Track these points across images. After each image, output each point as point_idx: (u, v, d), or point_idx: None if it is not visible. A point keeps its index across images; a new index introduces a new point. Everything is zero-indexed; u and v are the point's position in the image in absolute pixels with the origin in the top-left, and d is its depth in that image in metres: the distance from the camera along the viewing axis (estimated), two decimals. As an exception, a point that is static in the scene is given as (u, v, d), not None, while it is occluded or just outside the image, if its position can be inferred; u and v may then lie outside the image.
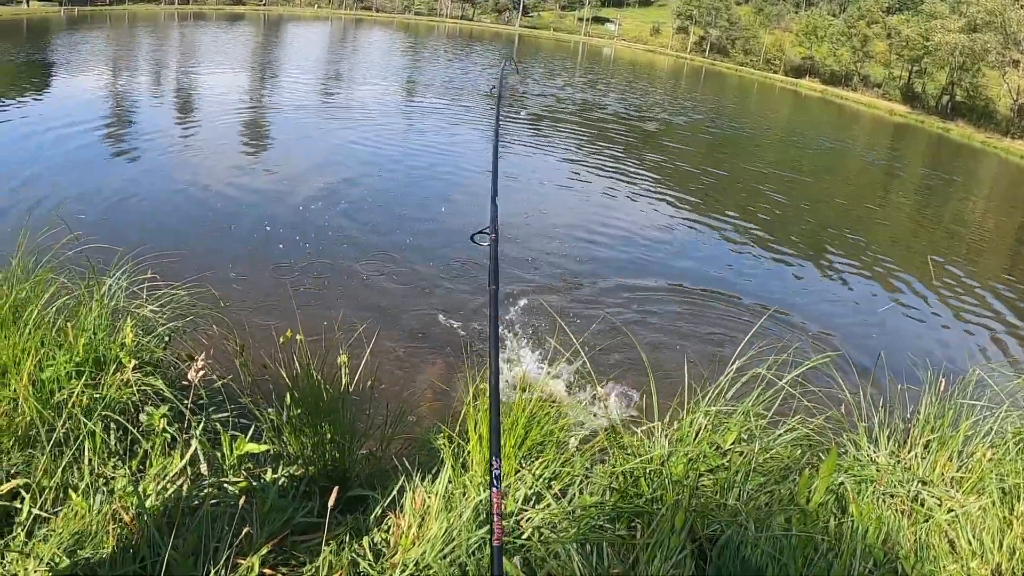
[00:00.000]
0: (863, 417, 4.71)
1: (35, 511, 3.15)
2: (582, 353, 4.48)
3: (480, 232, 3.54)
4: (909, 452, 4.52)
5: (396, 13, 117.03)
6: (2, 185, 11.82)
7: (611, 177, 18.77)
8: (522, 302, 9.00)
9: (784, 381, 4.34)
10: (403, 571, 3.22)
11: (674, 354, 7.95)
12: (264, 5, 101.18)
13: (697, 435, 4.15)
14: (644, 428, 4.31)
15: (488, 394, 2.75)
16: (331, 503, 3.13)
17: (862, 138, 45.74)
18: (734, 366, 4.36)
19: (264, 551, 3.12)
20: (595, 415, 4.41)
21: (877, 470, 4.32)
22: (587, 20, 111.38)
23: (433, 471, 3.89)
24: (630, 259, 12.47)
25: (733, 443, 4.11)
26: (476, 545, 3.40)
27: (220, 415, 3.96)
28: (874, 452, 4.52)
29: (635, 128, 28.96)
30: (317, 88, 30.96)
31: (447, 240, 11.92)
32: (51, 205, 10.79)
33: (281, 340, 4.10)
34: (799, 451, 4.31)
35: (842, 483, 4.05)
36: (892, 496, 4.17)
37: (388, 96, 29.72)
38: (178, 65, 32.30)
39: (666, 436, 4.19)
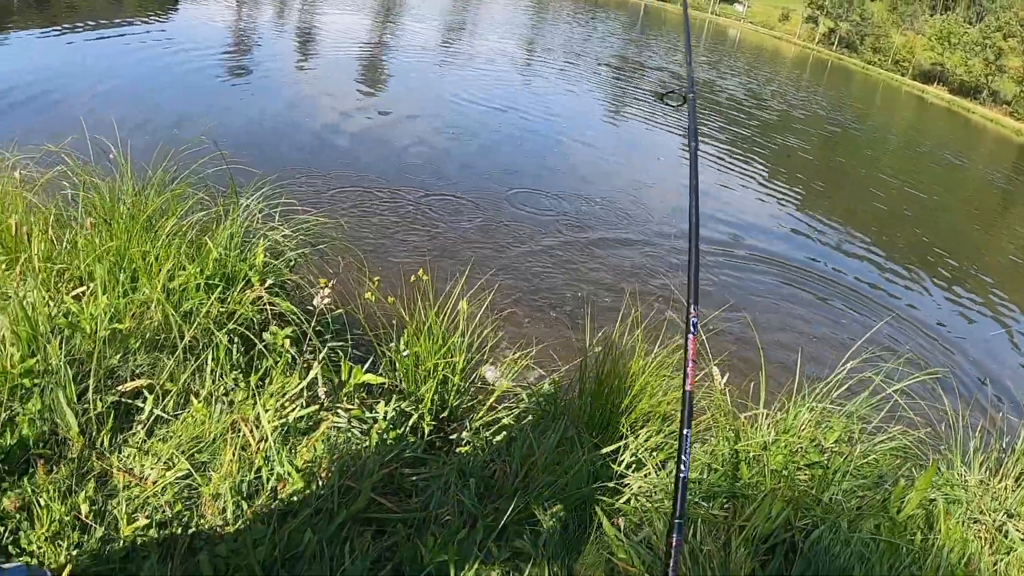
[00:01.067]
0: (959, 439, 4.61)
1: (157, 411, 3.20)
2: (701, 331, 4.34)
3: (670, 92, 3.39)
4: (1000, 482, 4.39)
5: None
6: (144, 102, 12.01)
7: (724, 165, 18.42)
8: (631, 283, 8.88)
9: (892, 390, 4.27)
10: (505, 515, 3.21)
11: (787, 344, 7.80)
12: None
13: (800, 429, 4.11)
14: (748, 414, 4.27)
15: (689, 250, 2.72)
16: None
17: (985, 155, 43.97)
18: (846, 367, 4.29)
19: (375, 477, 3.14)
20: (704, 394, 4.35)
21: (966, 493, 4.23)
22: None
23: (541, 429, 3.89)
24: (739, 245, 12.19)
25: (834, 442, 4.05)
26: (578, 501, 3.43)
27: (338, 343, 3.99)
28: (966, 475, 4.42)
29: (752, 115, 28.30)
30: (439, 38, 31.00)
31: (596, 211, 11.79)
32: (192, 125, 10.75)
33: (412, 279, 4.13)
34: (896, 461, 4.27)
35: (933, 500, 3.98)
36: (977, 522, 4.08)
37: (505, 55, 29.43)
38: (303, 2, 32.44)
39: (770, 425, 4.15)
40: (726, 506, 3.67)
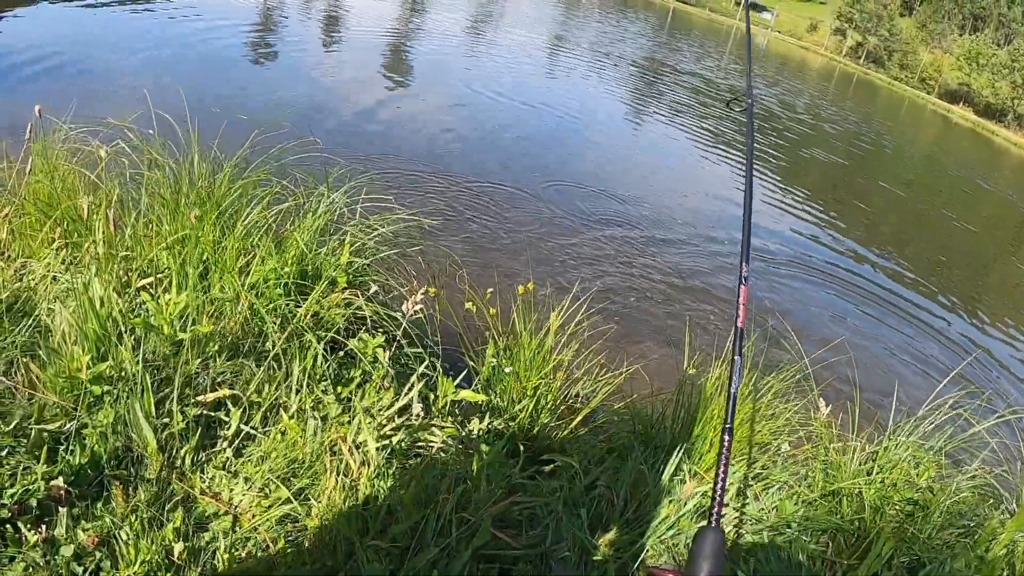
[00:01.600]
0: None
1: (245, 427, 2.79)
2: (807, 362, 4.19)
3: (735, 99, 3.85)
4: None
5: None
6: (203, 76, 11.43)
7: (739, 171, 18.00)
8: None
9: (982, 426, 4.11)
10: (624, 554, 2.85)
11: (879, 372, 7.48)
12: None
13: (896, 465, 3.98)
14: (838, 445, 4.11)
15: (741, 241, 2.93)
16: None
17: (1009, 179, 43.65)
18: (936, 401, 4.13)
19: (498, 510, 2.74)
20: (806, 423, 4.15)
21: None
22: (744, 4, 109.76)
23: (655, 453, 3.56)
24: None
25: (928, 479, 3.94)
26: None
27: (430, 355, 3.60)
28: None
29: (776, 126, 27.95)
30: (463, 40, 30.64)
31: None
32: (263, 106, 10.15)
33: (521, 290, 3.76)
34: (985, 499, 4.13)
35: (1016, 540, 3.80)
36: None
37: (536, 49, 28.98)
38: None
39: (864, 459, 4.04)
40: (824, 540, 3.59)
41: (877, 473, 3.91)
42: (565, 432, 3.72)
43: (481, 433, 3.32)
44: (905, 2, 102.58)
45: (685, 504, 3.28)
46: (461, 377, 3.55)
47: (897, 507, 3.79)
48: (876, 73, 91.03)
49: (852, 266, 12.33)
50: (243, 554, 2.32)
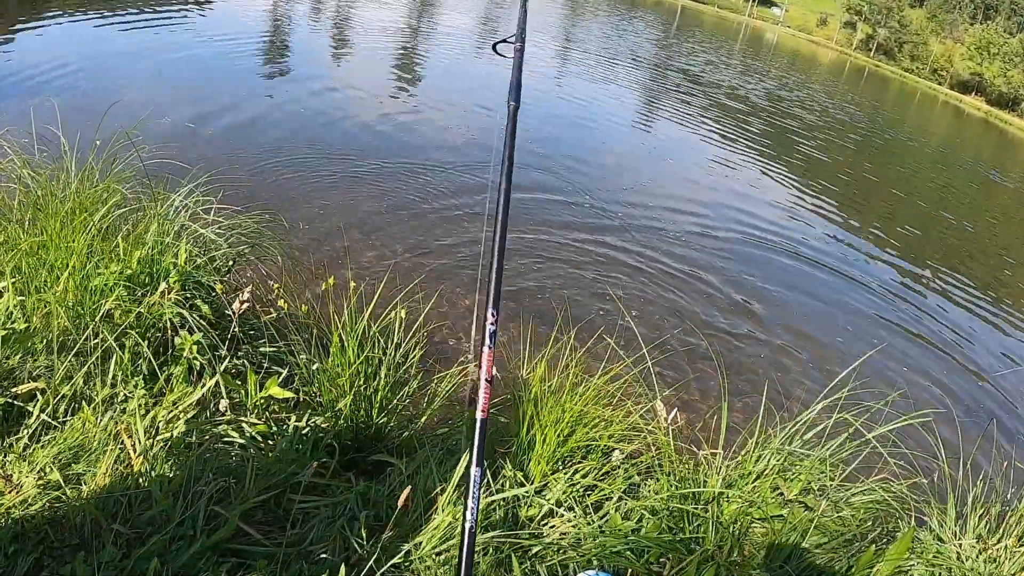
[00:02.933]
0: (957, 489, 4.17)
1: (44, 416, 3.17)
2: (647, 357, 4.05)
3: (504, 41, 3.16)
4: (999, 542, 3.92)
5: None
6: (137, 89, 12.00)
7: (751, 162, 17.93)
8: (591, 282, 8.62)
9: (872, 434, 3.91)
10: (391, 557, 3.09)
11: (755, 377, 7.48)
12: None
13: (760, 476, 3.83)
14: (704, 453, 4.01)
15: (491, 251, 2.41)
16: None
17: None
18: (819, 406, 3.98)
19: (247, 505, 3.05)
20: (649, 428, 4.09)
21: (958, 558, 3.82)
22: (754, 1, 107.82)
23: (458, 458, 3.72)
24: (734, 249, 11.80)
25: (798, 494, 3.77)
26: (479, 550, 3.26)
27: (260, 352, 3.92)
28: (958, 533, 4.00)
29: (781, 120, 27.57)
30: (471, 31, 30.85)
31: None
32: (145, 119, 10.57)
33: (324, 286, 4.03)
34: (871, 518, 3.92)
35: (909, 570, 3.64)
36: None
37: (542, 49, 29.05)
38: None
39: (725, 469, 3.87)
40: (661, 561, 3.41)
41: (738, 480, 3.77)
42: (408, 433, 3.97)
43: (296, 431, 3.59)
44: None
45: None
46: (284, 376, 3.84)
47: (760, 525, 3.65)
48: (887, 65, 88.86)
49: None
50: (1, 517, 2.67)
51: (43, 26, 14.98)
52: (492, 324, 2.34)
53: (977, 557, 3.83)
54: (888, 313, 11.05)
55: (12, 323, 3.39)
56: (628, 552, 3.38)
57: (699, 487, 3.70)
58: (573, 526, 3.51)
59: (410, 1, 35.00)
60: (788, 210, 15.13)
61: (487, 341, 2.33)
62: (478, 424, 2.29)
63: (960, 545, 3.92)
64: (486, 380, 2.31)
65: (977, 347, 10.98)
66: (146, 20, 17.13)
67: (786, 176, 18.02)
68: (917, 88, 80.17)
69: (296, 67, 16.73)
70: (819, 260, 12.44)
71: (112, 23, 16.21)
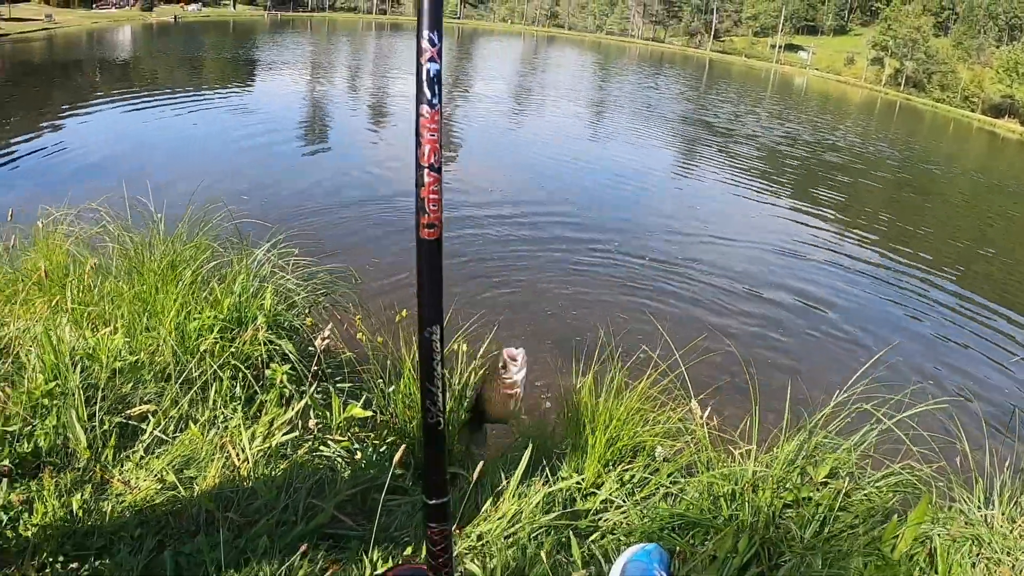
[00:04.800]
0: (984, 475, 4.28)
1: (157, 433, 3.65)
2: (680, 363, 4.45)
3: None
4: None
5: (587, 32, 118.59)
6: (188, 163, 13.00)
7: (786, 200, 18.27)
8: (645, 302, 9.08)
9: (893, 421, 4.12)
10: (466, 542, 3.50)
11: (782, 375, 7.75)
12: (459, 19, 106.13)
13: (791, 463, 4.05)
14: (741, 451, 4.23)
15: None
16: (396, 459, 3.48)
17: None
18: (843, 396, 4.21)
19: (340, 498, 3.50)
20: (689, 428, 4.46)
21: (988, 530, 3.86)
22: (780, 48, 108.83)
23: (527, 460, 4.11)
24: (763, 269, 12.19)
25: (826, 477, 3.98)
26: (540, 529, 3.66)
27: (340, 384, 4.40)
28: (987, 512, 4.02)
29: (813, 161, 27.85)
30: (507, 101, 31.80)
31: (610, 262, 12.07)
32: (218, 186, 11.60)
33: (397, 319, 4.53)
34: (896, 497, 4.03)
35: (933, 535, 3.72)
36: (997, 563, 3.69)
37: (577, 116, 29.84)
38: (372, 70, 33.84)
39: (757, 461, 4.09)
40: (705, 541, 3.62)
41: (768, 468, 3.96)
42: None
43: (375, 446, 4.07)
44: (939, 22, 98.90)
45: (531, 502, 3.70)
46: (363, 401, 4.31)
47: (792, 508, 3.82)
48: (918, 97, 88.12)
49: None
50: (125, 516, 3.14)
51: (96, 111, 16.26)
52: (432, 59, 1.60)
53: (1010, 533, 3.87)
54: (915, 309, 11.30)
55: (123, 358, 3.93)
56: (673, 533, 3.68)
57: (733, 475, 3.97)
58: (623, 516, 3.87)
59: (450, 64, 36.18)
60: (822, 235, 15.48)
61: (425, 93, 1.60)
62: (426, 249, 1.71)
63: (989, 518, 3.98)
64: (428, 168, 1.64)
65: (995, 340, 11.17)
66: (192, 100, 18.31)
67: (818, 210, 18.32)
68: (950, 117, 79.65)
69: (339, 139, 17.73)
70: (851, 267, 12.77)
71: (160, 106, 17.42)
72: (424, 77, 1.59)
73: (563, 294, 9.99)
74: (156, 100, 18.36)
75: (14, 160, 13.67)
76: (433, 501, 1.97)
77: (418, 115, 1.61)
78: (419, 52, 1.57)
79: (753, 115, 40.87)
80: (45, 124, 16.71)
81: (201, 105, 19.33)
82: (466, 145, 20.61)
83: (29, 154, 14.25)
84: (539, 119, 27.92)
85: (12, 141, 14.86)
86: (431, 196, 1.67)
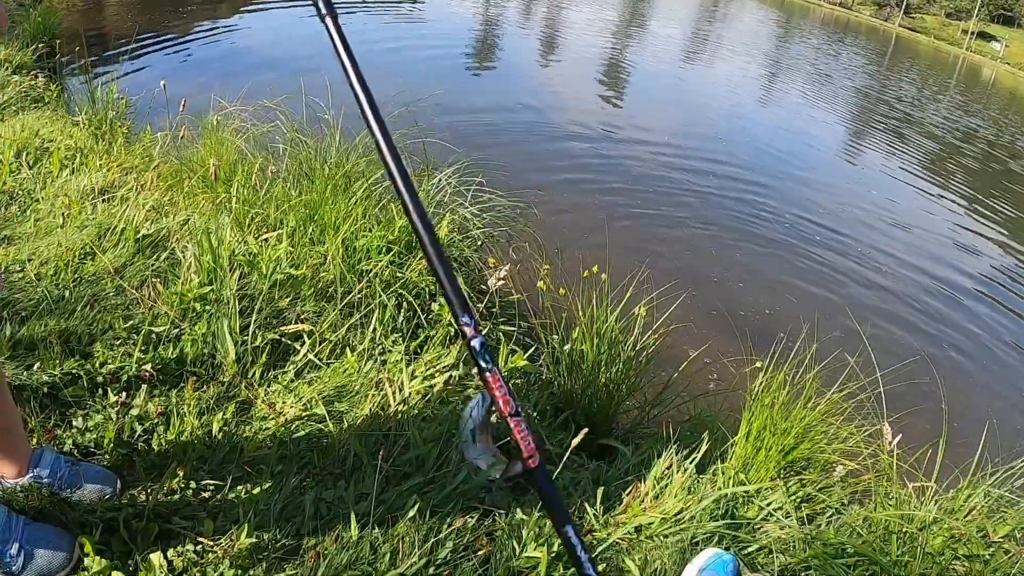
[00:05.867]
0: None
1: (311, 356, 3.33)
2: (880, 382, 3.91)
3: None
4: None
5: None
6: (378, 74, 12.75)
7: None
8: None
9: None
10: (622, 530, 3.10)
11: (978, 411, 7.03)
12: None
13: (968, 513, 3.61)
14: (916, 485, 3.75)
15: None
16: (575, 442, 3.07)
17: None
18: None
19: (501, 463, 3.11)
20: (871, 451, 3.96)
21: None
22: (972, 34, 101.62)
23: (690, 449, 3.71)
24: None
25: (1004, 536, 3.49)
26: (704, 536, 3.22)
27: (508, 328, 4.01)
28: None
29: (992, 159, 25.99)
30: (677, 50, 30.85)
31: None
32: (402, 99, 11.28)
33: (584, 273, 4.09)
34: None
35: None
36: None
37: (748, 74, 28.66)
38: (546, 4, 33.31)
39: (936, 503, 3.64)
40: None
41: (945, 515, 3.54)
42: (633, 418, 4.01)
43: (537, 403, 3.69)
44: None
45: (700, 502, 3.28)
46: (532, 351, 3.94)
47: (962, 562, 3.46)
48: None
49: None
50: (266, 446, 2.82)
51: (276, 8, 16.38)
52: (474, 337, 1.86)
53: None
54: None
55: (285, 269, 3.61)
56: (836, 563, 3.25)
57: (909, 511, 3.53)
58: (784, 532, 3.41)
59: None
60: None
61: (481, 363, 1.87)
62: (539, 475, 1.93)
63: None
64: (510, 416, 1.89)
65: None
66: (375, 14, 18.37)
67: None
68: None
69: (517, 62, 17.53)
70: None
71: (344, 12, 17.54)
72: (476, 350, 1.87)
73: (734, 260, 9.32)
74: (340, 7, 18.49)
75: (189, 50, 13.55)
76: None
77: (484, 380, 1.90)
78: (462, 335, 1.87)
79: (935, 102, 38.54)
80: (223, 17, 16.78)
81: (383, 19, 19.19)
82: (632, 85, 19.92)
83: (206, 44, 14.15)
84: (709, 71, 26.88)
85: (189, 30, 14.84)
86: (521, 435, 1.90)
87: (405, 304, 3.77)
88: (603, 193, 10.14)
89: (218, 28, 15.60)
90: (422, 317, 3.75)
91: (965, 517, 3.58)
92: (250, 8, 17.97)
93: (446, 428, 3.15)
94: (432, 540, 2.60)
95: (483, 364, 1.86)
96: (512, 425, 1.86)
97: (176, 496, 2.49)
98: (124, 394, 2.83)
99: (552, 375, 3.98)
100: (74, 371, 2.88)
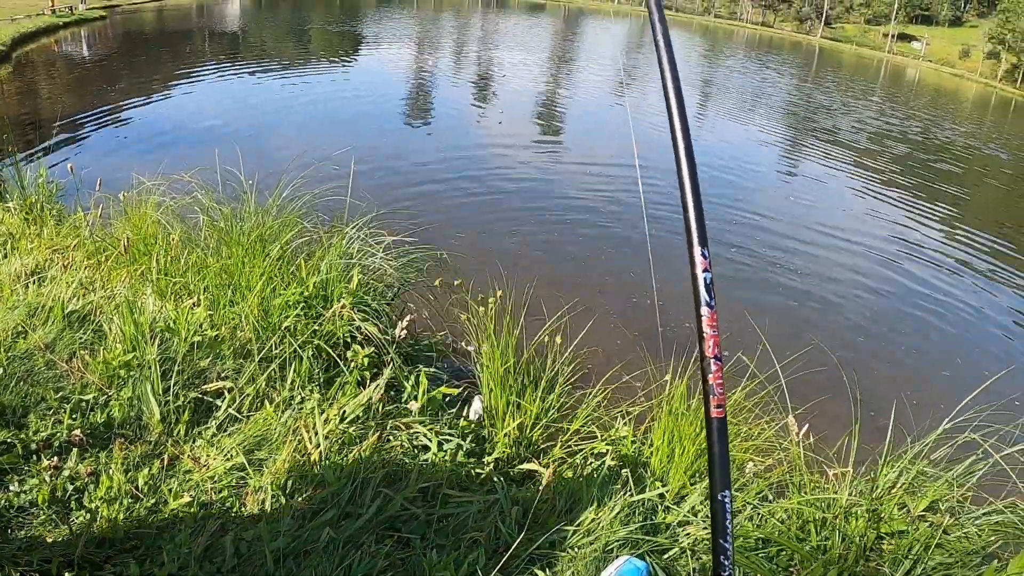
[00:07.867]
0: None
1: (231, 410, 3.59)
2: (780, 375, 4.12)
3: None
4: None
5: (695, 14, 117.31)
6: (294, 134, 13.14)
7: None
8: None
9: (1002, 454, 3.70)
10: (535, 544, 3.32)
11: (888, 390, 7.32)
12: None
13: (888, 492, 3.76)
14: (836, 472, 3.96)
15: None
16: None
17: None
18: (948, 425, 3.87)
19: (410, 493, 3.36)
20: (782, 445, 4.19)
21: None
22: (892, 37, 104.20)
23: (600, 463, 3.97)
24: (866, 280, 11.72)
25: (924, 510, 3.66)
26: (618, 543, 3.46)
27: (426, 367, 4.28)
28: None
29: (925, 160, 26.60)
30: (610, 86, 31.47)
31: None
32: (313, 156, 11.55)
33: (482, 311, 4.35)
34: (997, 539, 3.65)
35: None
36: None
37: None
38: (477, 48, 33.98)
39: (853, 486, 3.82)
40: (789, 568, 3.45)
41: (863, 496, 3.73)
42: (556, 448, 4.24)
43: (462, 433, 3.94)
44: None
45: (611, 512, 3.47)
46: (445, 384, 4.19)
47: (886, 540, 3.61)
48: None
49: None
50: (187, 495, 3.07)
51: (200, 80, 16.79)
52: (705, 270, 1.82)
53: None
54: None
55: (204, 331, 3.88)
56: (758, 556, 3.44)
57: (826, 501, 3.72)
58: (705, 531, 3.65)
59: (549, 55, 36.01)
60: (927, 242, 14.84)
61: (703, 297, 1.83)
62: (715, 427, 1.84)
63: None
64: (714, 359, 1.83)
65: None
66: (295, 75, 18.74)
67: (926, 211, 17.63)
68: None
69: (440, 119, 17.89)
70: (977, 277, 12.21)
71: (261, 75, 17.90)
72: (701, 284, 1.82)
73: (657, 279, 9.67)
74: (261, 71, 18.81)
75: (115, 127, 14.14)
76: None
77: (699, 316, 1.84)
78: (693, 264, 1.83)
79: (862, 107, 39.40)
80: (147, 94, 17.27)
81: (303, 78, 19.66)
82: (569, 121, 20.43)
83: (127, 122, 14.79)
84: (643, 99, 27.42)
85: (115, 109, 15.36)
86: (717, 382, 1.83)
87: (322, 355, 4.03)
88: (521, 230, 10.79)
89: (151, 101, 16.06)
90: (342, 365, 4.01)
91: (886, 496, 3.75)
92: (178, 80, 18.35)
93: (360, 465, 3.41)
94: (344, 565, 2.86)
95: (706, 299, 1.80)
96: (713, 368, 1.80)
97: (105, 547, 2.73)
98: (56, 458, 3.07)
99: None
100: (8, 440, 3.12)
